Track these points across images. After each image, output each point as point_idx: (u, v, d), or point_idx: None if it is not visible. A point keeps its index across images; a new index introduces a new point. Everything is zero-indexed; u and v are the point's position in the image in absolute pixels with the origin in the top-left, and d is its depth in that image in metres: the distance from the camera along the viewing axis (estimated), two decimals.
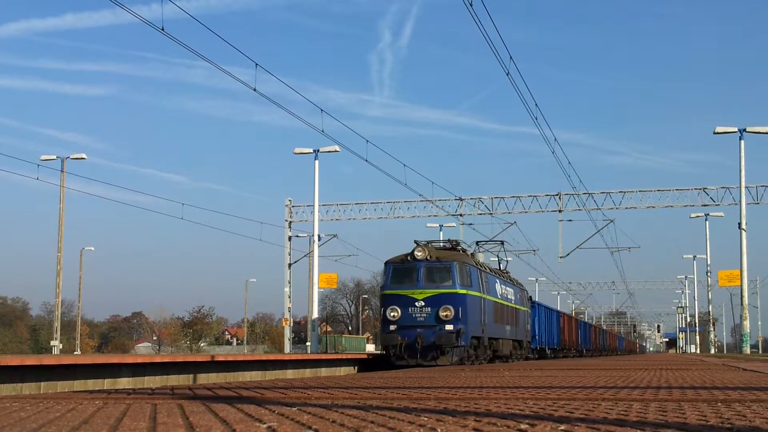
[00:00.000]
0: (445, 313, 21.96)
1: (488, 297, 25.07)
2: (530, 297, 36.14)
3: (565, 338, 46.36)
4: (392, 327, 22.27)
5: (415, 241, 23.39)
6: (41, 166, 36.14)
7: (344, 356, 25.48)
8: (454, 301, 22.22)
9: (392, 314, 22.30)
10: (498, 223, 43.89)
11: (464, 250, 25.11)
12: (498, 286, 27.26)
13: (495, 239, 33.74)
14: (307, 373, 22.16)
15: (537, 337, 37.30)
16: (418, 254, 22.62)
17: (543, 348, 39.14)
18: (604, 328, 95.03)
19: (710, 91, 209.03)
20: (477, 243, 31.89)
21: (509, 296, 29.32)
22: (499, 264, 32.43)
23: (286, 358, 23.24)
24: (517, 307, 30.96)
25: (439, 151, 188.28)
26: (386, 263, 23.42)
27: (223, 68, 18.59)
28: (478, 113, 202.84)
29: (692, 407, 4.55)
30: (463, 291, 22.52)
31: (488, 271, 26.48)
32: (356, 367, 24.65)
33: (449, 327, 21.90)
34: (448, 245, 24.88)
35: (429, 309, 22.19)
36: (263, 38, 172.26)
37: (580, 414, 4.07)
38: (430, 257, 22.70)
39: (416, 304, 22.25)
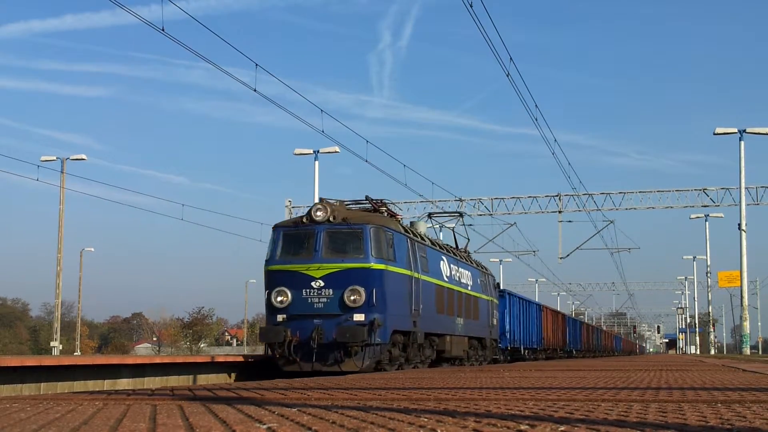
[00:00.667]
0: (352, 297, 16.03)
1: (425, 278, 18.75)
2: (498, 284, 30.03)
3: (549, 336, 41.16)
4: (279, 317, 16.45)
5: (321, 199, 17.76)
6: (41, 167, 36.29)
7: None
8: (367, 279, 16.17)
9: (279, 299, 16.40)
10: (498, 224, 43.89)
11: (393, 215, 18.91)
12: (445, 266, 20.98)
13: (451, 211, 27.21)
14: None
15: (508, 335, 31.89)
16: (318, 214, 16.59)
17: (517, 348, 33.69)
18: (604, 328, 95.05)
19: (710, 91, 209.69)
20: (429, 215, 26.02)
21: (463, 280, 22.91)
22: (456, 241, 25.90)
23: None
24: (477, 295, 24.57)
25: (439, 151, 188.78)
26: (274, 227, 17.26)
27: (223, 69, 18.61)
28: (478, 114, 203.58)
29: (692, 408, 4.56)
30: (381, 266, 16.39)
31: (429, 244, 20.03)
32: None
33: (358, 317, 16.02)
34: (368, 206, 18.45)
35: (331, 291, 16.18)
36: (263, 39, 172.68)
37: (580, 415, 4.07)
38: (335, 218, 16.62)
39: (313, 284, 16.25)
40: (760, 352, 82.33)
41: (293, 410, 4.41)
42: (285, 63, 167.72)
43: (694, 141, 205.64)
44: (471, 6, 15.70)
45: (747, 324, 34.99)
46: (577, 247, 45.32)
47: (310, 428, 3.42)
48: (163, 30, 15.65)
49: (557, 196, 42.58)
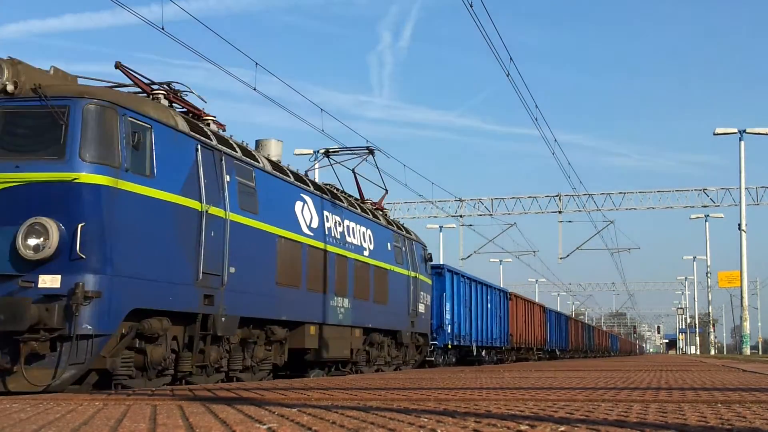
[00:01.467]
0: (32, 241, 8.05)
1: (250, 221, 11.05)
2: (429, 256, 21.49)
3: (519, 332, 33.38)
4: None
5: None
6: None
7: None
8: (66, 205, 8.24)
9: None
10: (498, 224, 43.86)
11: (196, 114, 10.99)
12: (307, 211, 13.27)
13: (357, 147, 18.47)
14: None
15: (450, 328, 23.82)
16: None
17: (467, 346, 25.71)
18: (604, 328, 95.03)
19: (710, 91, 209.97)
20: (326, 153, 18.21)
21: (354, 240, 15.41)
22: (360, 191, 18.43)
23: None
24: (384, 266, 17.05)
25: (439, 152, 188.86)
26: None
27: (223, 68, 18.50)
28: (478, 114, 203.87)
29: (692, 408, 4.56)
30: (100, 178, 8.32)
31: (269, 169, 12.14)
32: None
33: (48, 280, 8.04)
34: (132, 88, 10.21)
35: None
36: (263, 40, 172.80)
37: (580, 415, 4.07)
38: (19, 88, 8.69)
39: None
40: (760, 353, 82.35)
41: (293, 410, 4.41)
42: (285, 64, 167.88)
43: (694, 141, 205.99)
44: (471, 6, 15.70)
45: (747, 324, 34.99)
46: (577, 248, 45.39)
47: (310, 428, 3.42)
48: (163, 29, 15.64)
49: (557, 196, 42.59)
